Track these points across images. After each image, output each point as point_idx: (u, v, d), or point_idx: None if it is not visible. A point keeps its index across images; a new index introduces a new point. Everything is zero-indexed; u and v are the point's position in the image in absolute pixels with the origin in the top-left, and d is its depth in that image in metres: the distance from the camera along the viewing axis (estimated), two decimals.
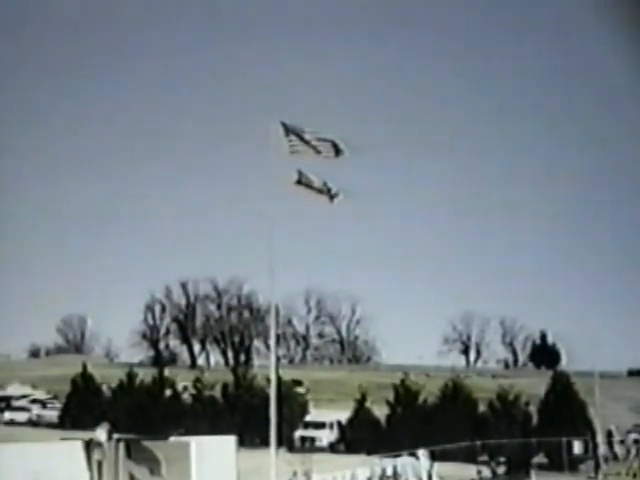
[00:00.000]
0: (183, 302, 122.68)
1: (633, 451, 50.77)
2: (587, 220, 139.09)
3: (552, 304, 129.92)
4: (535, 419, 50.01)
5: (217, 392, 56.85)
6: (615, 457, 49.52)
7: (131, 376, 59.49)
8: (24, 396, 70.49)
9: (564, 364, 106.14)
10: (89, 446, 21.44)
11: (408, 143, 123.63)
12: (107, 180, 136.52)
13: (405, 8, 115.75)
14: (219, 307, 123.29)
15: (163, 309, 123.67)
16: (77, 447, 21.40)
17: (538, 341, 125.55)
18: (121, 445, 21.52)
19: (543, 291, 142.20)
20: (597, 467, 44.45)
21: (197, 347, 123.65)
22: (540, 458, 47.24)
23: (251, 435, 40.22)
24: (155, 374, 59.66)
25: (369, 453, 42.10)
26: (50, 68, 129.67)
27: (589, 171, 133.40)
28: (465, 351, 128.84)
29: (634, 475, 42.62)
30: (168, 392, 57.63)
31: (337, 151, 20.55)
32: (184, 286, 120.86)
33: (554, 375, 54.08)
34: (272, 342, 26.91)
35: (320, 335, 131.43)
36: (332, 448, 51.30)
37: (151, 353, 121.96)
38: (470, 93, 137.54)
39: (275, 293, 22.59)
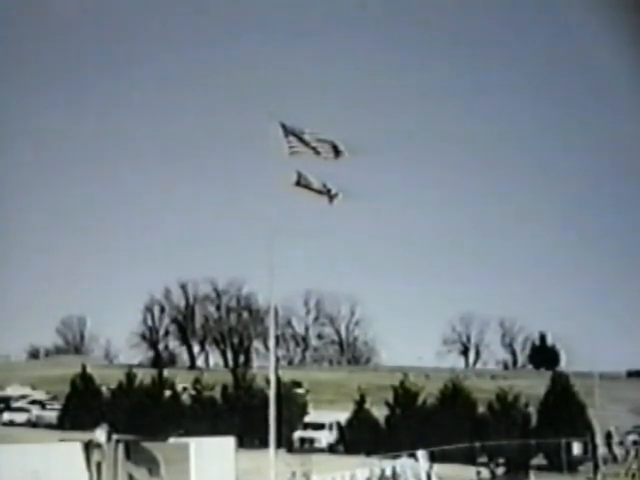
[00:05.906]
0: (182, 303, 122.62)
1: (632, 452, 50.77)
2: (587, 220, 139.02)
3: (552, 305, 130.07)
4: (534, 420, 50.04)
5: (216, 393, 56.81)
6: (614, 458, 49.54)
7: (130, 377, 59.37)
8: (23, 397, 70.25)
9: (563, 365, 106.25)
10: (88, 447, 21.45)
11: (408, 144, 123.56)
12: (107, 180, 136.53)
13: (406, 8, 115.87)
14: (218, 308, 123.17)
15: (162, 310, 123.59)
16: (76, 448, 21.39)
17: (537, 342, 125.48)
18: (120, 446, 21.53)
19: (543, 292, 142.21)
20: (596, 468, 44.44)
21: (196, 348, 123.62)
22: (539, 459, 47.22)
23: (250, 436, 40.22)
24: (154, 375, 59.50)
25: (368, 454, 42.02)
26: (49, 68, 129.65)
27: (589, 171, 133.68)
28: (464, 352, 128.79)
29: (633, 476, 42.61)
30: (167, 393, 57.50)
31: (337, 152, 20.54)
32: (183, 287, 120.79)
33: (553, 376, 54.10)
34: (271, 343, 26.95)
35: (319, 336, 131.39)
36: (331, 449, 51.21)
37: (150, 354, 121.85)
38: (471, 93, 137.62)
39: (274, 294, 22.64)
